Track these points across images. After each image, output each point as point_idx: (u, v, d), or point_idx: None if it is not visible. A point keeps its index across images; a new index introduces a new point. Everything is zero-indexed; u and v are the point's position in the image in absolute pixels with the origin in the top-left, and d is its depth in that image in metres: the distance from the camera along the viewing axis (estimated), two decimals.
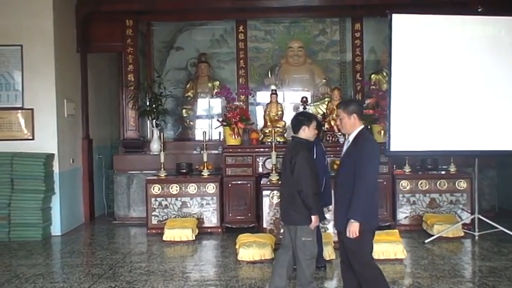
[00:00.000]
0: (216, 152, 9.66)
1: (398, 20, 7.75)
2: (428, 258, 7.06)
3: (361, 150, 4.58)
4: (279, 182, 7.78)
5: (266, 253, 6.99)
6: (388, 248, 6.97)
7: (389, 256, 6.93)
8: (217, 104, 10.92)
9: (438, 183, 8.82)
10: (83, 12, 9.72)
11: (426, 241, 7.84)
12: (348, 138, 4.83)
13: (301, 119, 5.54)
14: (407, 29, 7.76)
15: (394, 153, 8.00)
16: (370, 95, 9.83)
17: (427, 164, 9.17)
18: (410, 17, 7.91)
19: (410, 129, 7.84)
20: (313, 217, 5.20)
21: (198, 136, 10.58)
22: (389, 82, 7.77)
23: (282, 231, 7.00)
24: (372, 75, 10.79)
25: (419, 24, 7.81)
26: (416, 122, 7.83)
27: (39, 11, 8.73)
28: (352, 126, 4.74)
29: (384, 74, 10.68)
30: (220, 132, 10.02)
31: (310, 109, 10.10)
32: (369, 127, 9.28)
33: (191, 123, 10.91)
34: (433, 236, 7.98)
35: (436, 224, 8.21)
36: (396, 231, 7.63)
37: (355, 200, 4.49)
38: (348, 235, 4.55)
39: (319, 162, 6.21)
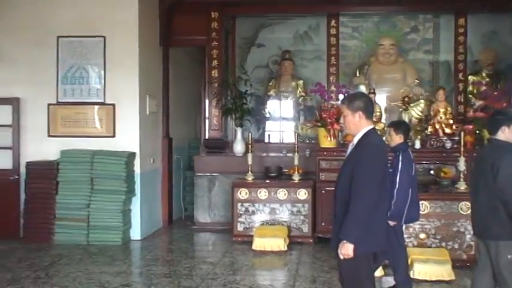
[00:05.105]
0: (302, 154, 8.89)
1: None
2: None
3: (361, 156, 3.77)
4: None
5: None
6: None
7: None
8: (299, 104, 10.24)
9: None
10: (166, 3, 9.18)
11: None
12: (353, 140, 4.00)
13: (500, 118, 4.65)
14: None
15: None
16: (481, 96, 8.90)
17: None
18: None
19: None
20: None
21: (284, 138, 9.91)
22: None
23: None
24: (469, 76, 9.95)
25: None
26: None
27: (123, 1, 8.25)
28: (356, 126, 3.92)
29: (483, 74, 9.87)
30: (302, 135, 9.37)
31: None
32: (477, 131, 8.44)
33: (273, 123, 10.23)
34: None
35: None
36: None
37: (349, 217, 3.69)
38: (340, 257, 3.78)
39: (406, 171, 5.54)
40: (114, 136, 8.25)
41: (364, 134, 3.89)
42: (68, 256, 7.25)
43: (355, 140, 3.93)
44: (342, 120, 4.09)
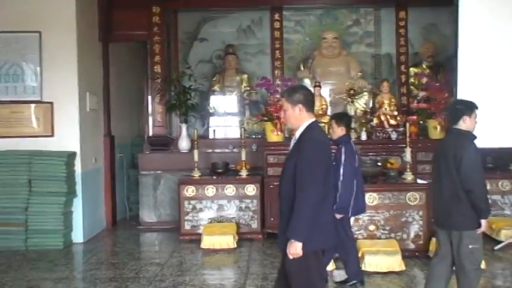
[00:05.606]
0: (249, 150, 8.75)
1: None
2: (510, 269, 6.25)
3: (303, 151, 3.65)
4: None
5: None
6: None
7: None
8: (244, 98, 10.09)
9: (500, 183, 8.00)
10: None
11: (496, 248, 7.02)
12: (295, 134, 3.88)
13: (461, 108, 4.64)
14: (476, 9, 6.96)
15: None
16: (424, 88, 9.01)
17: (488, 163, 8.31)
18: None
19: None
20: (482, 221, 4.40)
21: (230, 134, 9.69)
22: (455, 71, 6.94)
23: None
24: (411, 68, 10.11)
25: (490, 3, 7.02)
26: (483, 116, 7.01)
27: None
28: (297, 120, 3.79)
29: (424, 66, 10.09)
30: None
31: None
32: (421, 122, 8.53)
33: (218, 119, 10.04)
34: (501, 242, 7.15)
35: (503, 228, 7.38)
36: None
37: (295, 215, 3.57)
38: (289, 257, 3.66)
39: (349, 163, 5.54)
40: (52, 136, 7.89)
41: (306, 128, 3.76)
42: (5, 263, 6.88)
43: (297, 134, 3.80)
44: (282, 115, 3.92)
